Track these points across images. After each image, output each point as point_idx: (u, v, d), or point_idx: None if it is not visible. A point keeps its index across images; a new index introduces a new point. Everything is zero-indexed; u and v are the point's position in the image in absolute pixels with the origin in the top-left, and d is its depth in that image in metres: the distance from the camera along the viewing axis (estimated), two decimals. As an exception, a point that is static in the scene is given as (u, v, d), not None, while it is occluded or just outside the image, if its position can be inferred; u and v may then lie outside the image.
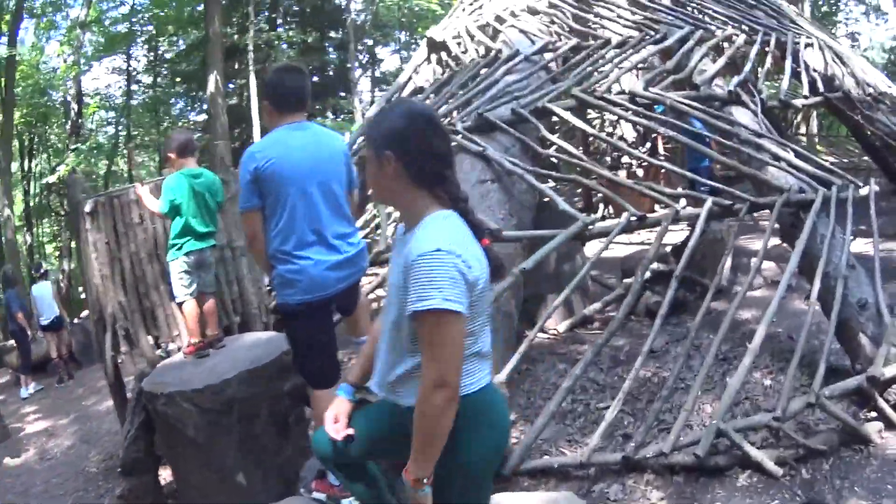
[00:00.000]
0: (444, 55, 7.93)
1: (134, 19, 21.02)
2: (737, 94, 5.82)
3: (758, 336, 3.77)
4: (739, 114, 5.70)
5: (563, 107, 5.73)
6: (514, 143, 5.49)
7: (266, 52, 19.35)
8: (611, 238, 4.57)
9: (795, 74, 6.78)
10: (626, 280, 6.06)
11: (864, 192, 5.35)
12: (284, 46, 20.74)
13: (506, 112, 5.67)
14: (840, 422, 3.43)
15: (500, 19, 7.75)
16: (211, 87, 15.62)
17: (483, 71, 6.73)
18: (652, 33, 6.77)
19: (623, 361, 4.93)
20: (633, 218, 4.63)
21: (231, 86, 20.69)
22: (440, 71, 7.80)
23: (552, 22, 7.51)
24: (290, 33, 21.53)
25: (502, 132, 5.48)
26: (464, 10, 8.72)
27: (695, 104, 5.65)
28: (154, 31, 21.46)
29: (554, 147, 5.81)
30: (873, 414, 3.60)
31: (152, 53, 22.99)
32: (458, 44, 7.75)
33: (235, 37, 19.52)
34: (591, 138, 11.29)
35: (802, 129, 15.88)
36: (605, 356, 4.93)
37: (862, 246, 8.17)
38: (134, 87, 23.28)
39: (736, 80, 5.96)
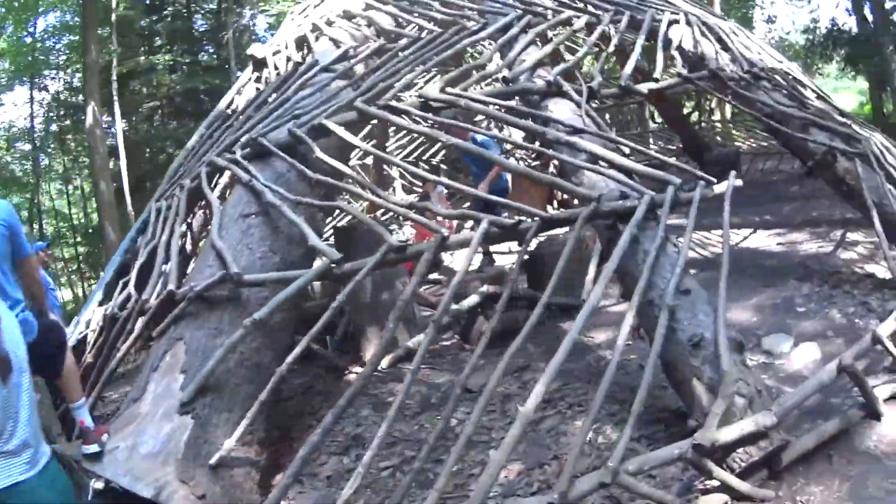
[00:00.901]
0: (266, 73, 7.18)
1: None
2: (558, 84, 4.64)
3: (605, 380, 2.95)
4: (559, 108, 4.53)
5: (343, 121, 4.91)
6: (290, 169, 4.74)
7: (148, 79, 18.47)
8: (364, 274, 3.69)
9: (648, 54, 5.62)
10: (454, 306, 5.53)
11: (720, 188, 4.09)
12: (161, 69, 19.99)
13: (283, 133, 4.94)
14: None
15: (316, 28, 6.95)
16: (89, 119, 14.81)
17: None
18: (470, 25, 5.61)
19: (433, 405, 4.47)
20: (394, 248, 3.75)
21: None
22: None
23: (369, 25, 6.42)
24: (167, 57, 20.63)
25: (279, 157, 4.78)
26: (292, 20, 7.76)
27: (496, 101, 4.52)
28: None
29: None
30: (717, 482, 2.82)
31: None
32: (287, 59, 6.93)
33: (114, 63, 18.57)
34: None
35: (717, 115, 14.95)
36: (418, 397, 4.53)
37: (764, 240, 7.26)
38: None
39: (559, 68, 4.92)
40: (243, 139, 5.20)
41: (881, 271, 5.73)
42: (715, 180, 4.19)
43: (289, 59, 6.51)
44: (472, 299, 5.81)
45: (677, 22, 6.22)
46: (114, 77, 17.16)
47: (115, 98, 16.90)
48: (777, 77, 6.13)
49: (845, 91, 22.77)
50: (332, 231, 9.11)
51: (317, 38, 6.72)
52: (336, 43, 6.30)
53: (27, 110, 22.09)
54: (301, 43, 6.88)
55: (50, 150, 23.50)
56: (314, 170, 4.58)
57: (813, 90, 6.81)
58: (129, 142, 19.24)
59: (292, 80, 5.89)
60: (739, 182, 4.32)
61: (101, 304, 5.83)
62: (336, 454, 4.10)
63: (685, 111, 13.49)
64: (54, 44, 20.73)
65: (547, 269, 6.04)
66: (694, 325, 3.31)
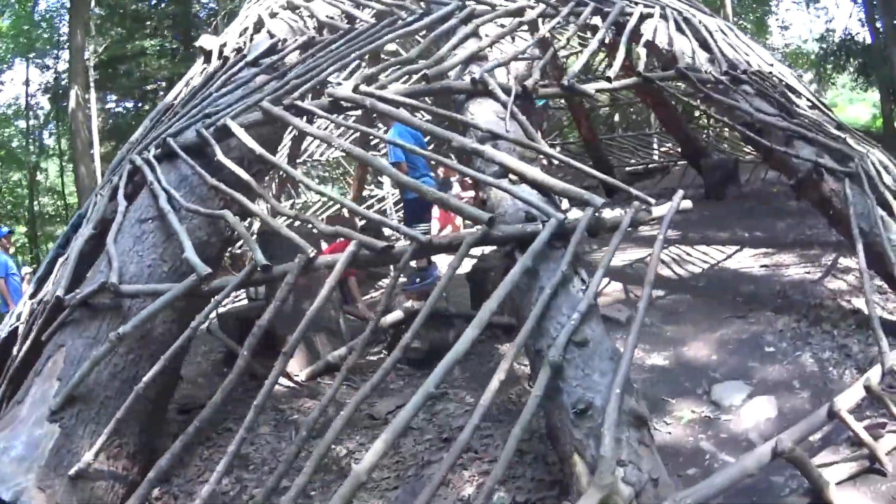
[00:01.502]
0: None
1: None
2: (484, 82, 4.01)
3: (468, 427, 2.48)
4: (480, 109, 3.92)
5: (250, 122, 4.41)
6: (195, 172, 4.36)
7: (137, 62, 18.06)
8: (225, 294, 3.38)
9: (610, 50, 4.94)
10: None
11: (660, 211, 3.46)
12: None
13: (193, 133, 4.55)
14: None
15: (260, 20, 6.39)
16: (72, 103, 14.67)
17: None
18: (405, 15, 5.00)
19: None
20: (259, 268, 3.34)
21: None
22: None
23: (311, 16, 5.90)
24: (152, 42, 20.13)
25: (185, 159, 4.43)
26: (248, 8, 7.20)
27: (407, 100, 3.95)
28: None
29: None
30: None
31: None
32: (220, 51, 6.38)
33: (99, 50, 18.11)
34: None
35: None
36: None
37: (748, 260, 6.53)
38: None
39: (489, 65, 4.51)
40: (159, 139, 4.80)
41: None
42: (653, 201, 3.54)
43: (221, 53, 5.94)
44: (396, 315, 5.28)
45: (651, 16, 5.51)
46: (90, 63, 16.76)
47: (92, 83, 16.51)
48: (762, 81, 5.40)
49: (860, 102, 21.72)
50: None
51: (256, 30, 6.21)
52: (271, 35, 5.79)
53: (31, 88, 21.92)
54: (243, 34, 6.34)
55: (52, 130, 23.31)
56: (221, 172, 4.19)
57: (809, 98, 6.07)
58: (121, 125, 18.89)
59: (218, 74, 5.43)
60: (688, 204, 3.67)
61: (31, 296, 5.49)
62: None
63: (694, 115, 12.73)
64: (59, 23, 20.39)
65: (492, 285, 5.47)
66: (584, 388, 2.68)
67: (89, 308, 3.68)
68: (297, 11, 6.10)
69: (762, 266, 6.46)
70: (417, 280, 6.03)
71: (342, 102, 4.15)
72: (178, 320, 3.83)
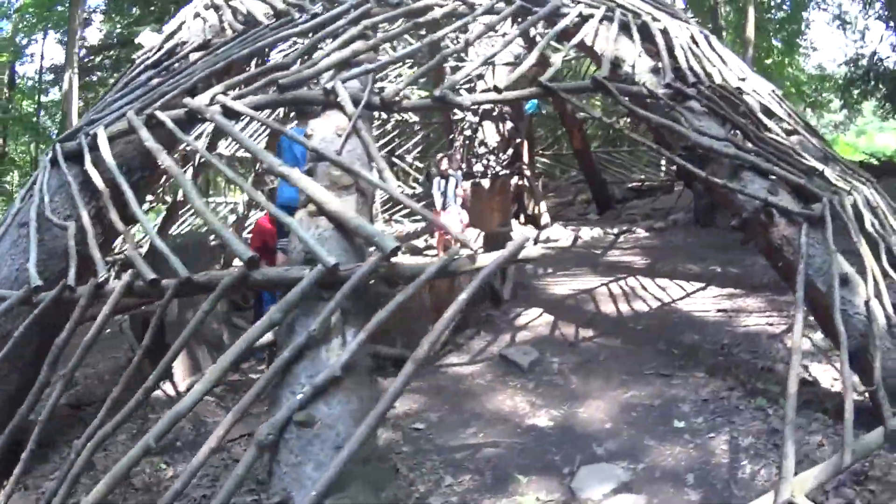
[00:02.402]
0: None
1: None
2: (335, 92, 3.31)
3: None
4: (324, 124, 3.63)
5: (118, 131, 4.08)
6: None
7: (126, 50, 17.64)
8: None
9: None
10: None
11: (485, 260, 2.69)
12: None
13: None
14: None
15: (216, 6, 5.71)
16: (65, 86, 14.67)
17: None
18: (297, 15, 4.63)
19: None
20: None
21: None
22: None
23: (234, 13, 5.42)
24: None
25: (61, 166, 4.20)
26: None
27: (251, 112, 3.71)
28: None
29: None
30: None
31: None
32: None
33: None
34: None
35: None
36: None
37: (707, 301, 5.58)
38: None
39: (352, 72, 3.93)
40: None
41: (827, 379, 4.15)
42: (476, 249, 2.73)
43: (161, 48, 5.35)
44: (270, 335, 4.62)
45: (590, 17, 4.65)
46: (76, 50, 16.37)
47: (76, 67, 16.07)
48: (723, 98, 4.48)
49: (891, 131, 20.25)
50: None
51: (178, 28, 5.60)
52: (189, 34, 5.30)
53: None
54: (173, 34, 5.68)
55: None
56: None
57: (795, 121, 5.12)
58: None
59: (124, 76, 5.15)
60: (534, 252, 2.89)
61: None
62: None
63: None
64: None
65: (392, 315, 4.75)
66: (291, 478, 2.21)
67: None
68: (220, 11, 5.40)
69: (719, 311, 5.55)
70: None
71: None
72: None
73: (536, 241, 9.21)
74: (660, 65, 4.37)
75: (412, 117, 14.03)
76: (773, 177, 4.02)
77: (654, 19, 4.93)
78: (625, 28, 4.70)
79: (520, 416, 4.09)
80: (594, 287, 6.47)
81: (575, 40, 4.47)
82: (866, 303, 3.48)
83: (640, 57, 4.43)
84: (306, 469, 2.19)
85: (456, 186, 8.02)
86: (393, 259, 2.74)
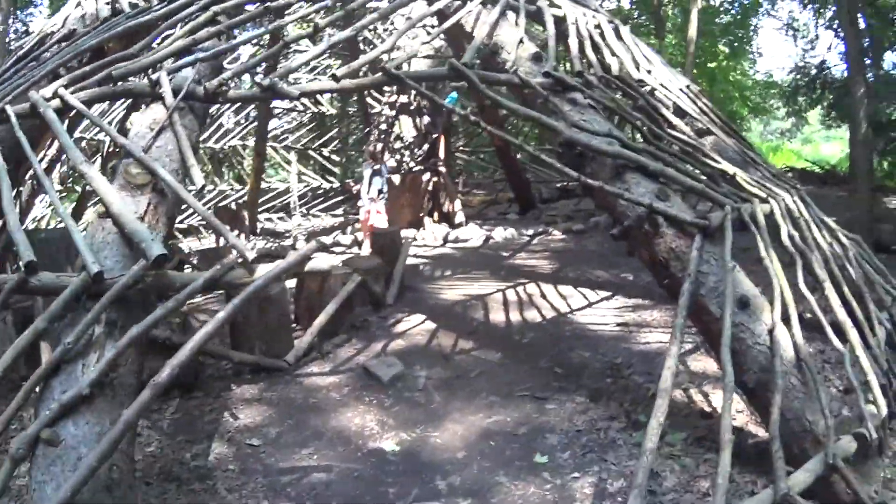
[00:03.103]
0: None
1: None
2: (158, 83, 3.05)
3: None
4: (143, 117, 3.41)
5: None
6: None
7: None
8: None
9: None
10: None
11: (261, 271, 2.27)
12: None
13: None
14: None
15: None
16: None
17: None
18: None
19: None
20: None
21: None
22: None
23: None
24: None
25: None
26: None
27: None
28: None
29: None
30: None
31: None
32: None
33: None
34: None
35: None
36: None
37: (608, 313, 5.12)
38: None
39: (183, 61, 3.58)
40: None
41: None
42: (251, 255, 2.26)
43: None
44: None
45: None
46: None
47: None
48: (619, 89, 4.01)
49: (837, 140, 20.36)
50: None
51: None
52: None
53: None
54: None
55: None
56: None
57: (711, 120, 4.69)
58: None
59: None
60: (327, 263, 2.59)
61: None
62: None
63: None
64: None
65: (250, 320, 4.20)
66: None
67: None
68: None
69: (619, 324, 5.10)
70: None
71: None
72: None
73: (446, 241, 8.74)
74: (544, 53, 3.86)
75: (329, 109, 13.56)
76: (664, 180, 3.58)
77: (553, 5, 4.43)
78: (514, 13, 4.20)
79: (364, 438, 3.55)
80: (489, 293, 5.96)
81: (448, 24, 3.95)
82: (770, 331, 3.04)
83: (522, 43, 3.93)
84: (47, 489, 2.12)
85: (381, 181, 7.88)
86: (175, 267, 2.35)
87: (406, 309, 5.54)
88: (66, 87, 3.42)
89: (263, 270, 2.42)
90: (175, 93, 3.17)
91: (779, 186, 4.30)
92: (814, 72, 13.59)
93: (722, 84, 16.78)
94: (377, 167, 7.92)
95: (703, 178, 3.80)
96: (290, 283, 5.31)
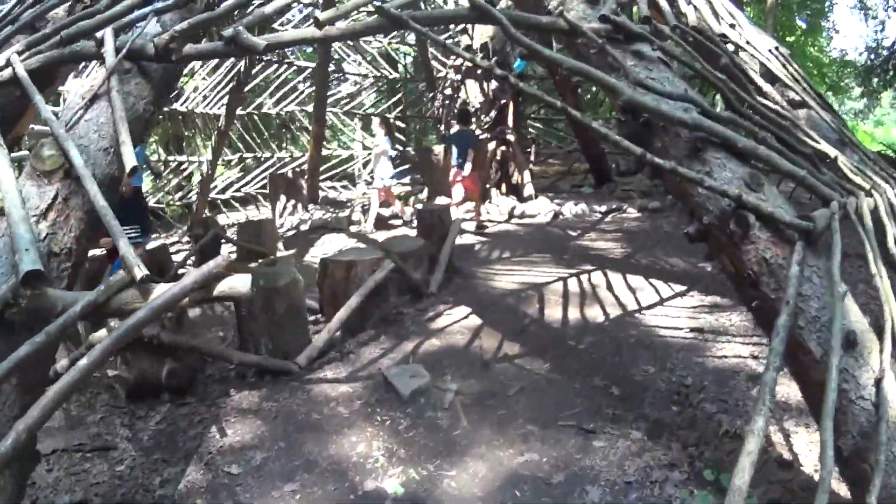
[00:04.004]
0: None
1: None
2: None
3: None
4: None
5: None
6: None
7: None
8: None
9: None
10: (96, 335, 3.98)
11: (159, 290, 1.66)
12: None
13: None
14: None
15: None
16: None
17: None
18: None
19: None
20: None
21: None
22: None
23: None
24: None
25: None
26: None
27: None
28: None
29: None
30: None
31: None
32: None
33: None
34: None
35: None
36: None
37: (681, 314, 4.22)
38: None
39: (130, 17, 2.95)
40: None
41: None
42: (141, 273, 1.57)
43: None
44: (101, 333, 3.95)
45: None
46: None
47: None
48: (696, 43, 3.12)
49: None
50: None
51: None
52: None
53: None
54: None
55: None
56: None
57: (805, 89, 3.72)
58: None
59: None
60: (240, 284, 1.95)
61: None
62: None
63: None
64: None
65: (253, 313, 3.70)
66: None
67: None
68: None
69: (693, 329, 4.24)
70: None
71: None
72: None
73: (511, 216, 7.97)
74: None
75: (392, 73, 12.86)
76: (756, 162, 2.71)
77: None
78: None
79: (364, 473, 2.93)
80: (547, 282, 5.19)
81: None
82: (878, 381, 2.17)
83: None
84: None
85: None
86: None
87: (450, 299, 4.86)
88: (21, 52, 2.87)
89: (160, 291, 1.78)
90: (118, 52, 2.53)
91: (877, 175, 3.31)
92: (885, 53, 12.10)
93: (799, 59, 15.32)
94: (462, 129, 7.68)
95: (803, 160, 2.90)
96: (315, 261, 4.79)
